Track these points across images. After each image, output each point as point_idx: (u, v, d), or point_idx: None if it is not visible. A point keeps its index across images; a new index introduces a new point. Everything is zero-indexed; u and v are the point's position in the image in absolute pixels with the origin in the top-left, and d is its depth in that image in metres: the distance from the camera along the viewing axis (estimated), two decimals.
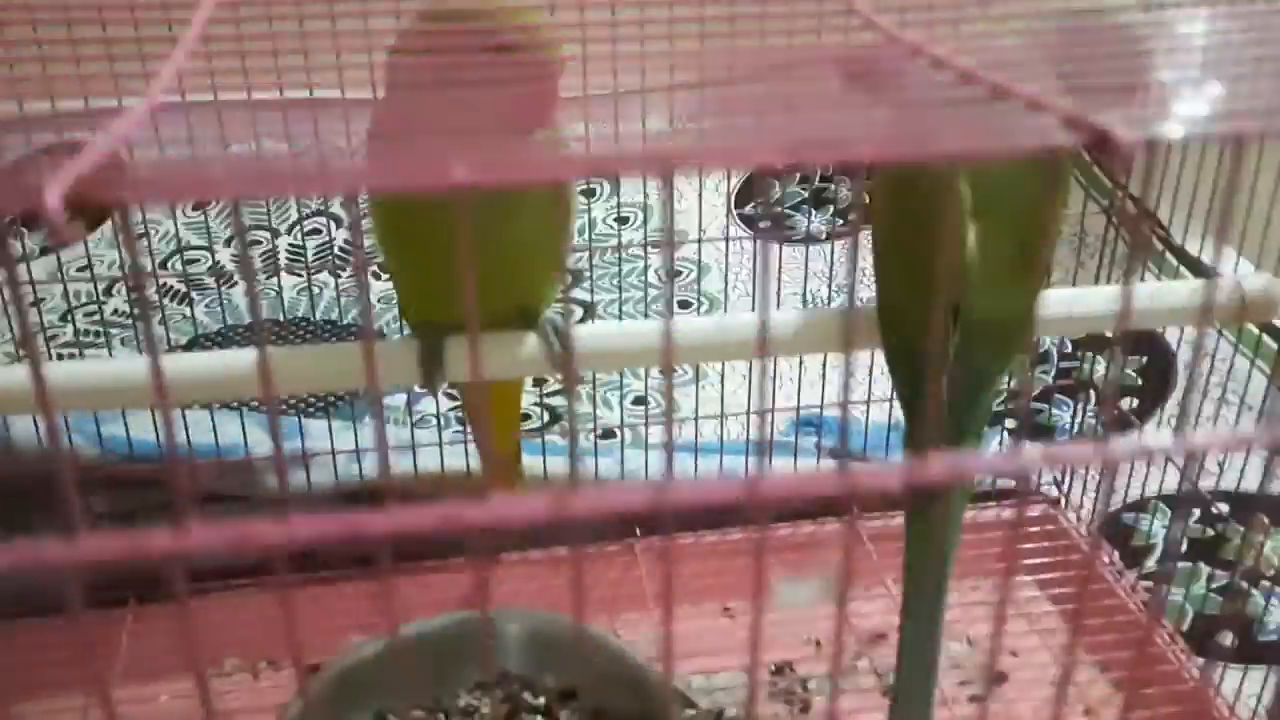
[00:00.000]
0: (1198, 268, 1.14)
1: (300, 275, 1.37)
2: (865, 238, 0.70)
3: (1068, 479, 1.07)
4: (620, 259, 1.26)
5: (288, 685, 0.87)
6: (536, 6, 0.66)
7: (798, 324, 0.72)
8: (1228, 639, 0.92)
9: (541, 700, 0.79)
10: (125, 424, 0.95)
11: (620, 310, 1.25)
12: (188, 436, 0.95)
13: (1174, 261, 1.16)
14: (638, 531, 1.00)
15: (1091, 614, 0.92)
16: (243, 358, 0.69)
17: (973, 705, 0.86)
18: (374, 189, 0.62)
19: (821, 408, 1.07)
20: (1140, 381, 1.15)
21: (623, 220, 1.36)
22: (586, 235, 1.33)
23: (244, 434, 0.97)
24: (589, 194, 1.37)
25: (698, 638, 0.88)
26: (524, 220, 0.66)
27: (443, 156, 0.23)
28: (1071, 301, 0.74)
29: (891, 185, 0.66)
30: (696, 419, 1.03)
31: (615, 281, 1.24)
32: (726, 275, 1.18)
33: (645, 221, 1.36)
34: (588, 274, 1.18)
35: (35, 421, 0.93)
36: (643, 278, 1.29)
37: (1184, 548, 0.99)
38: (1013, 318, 0.64)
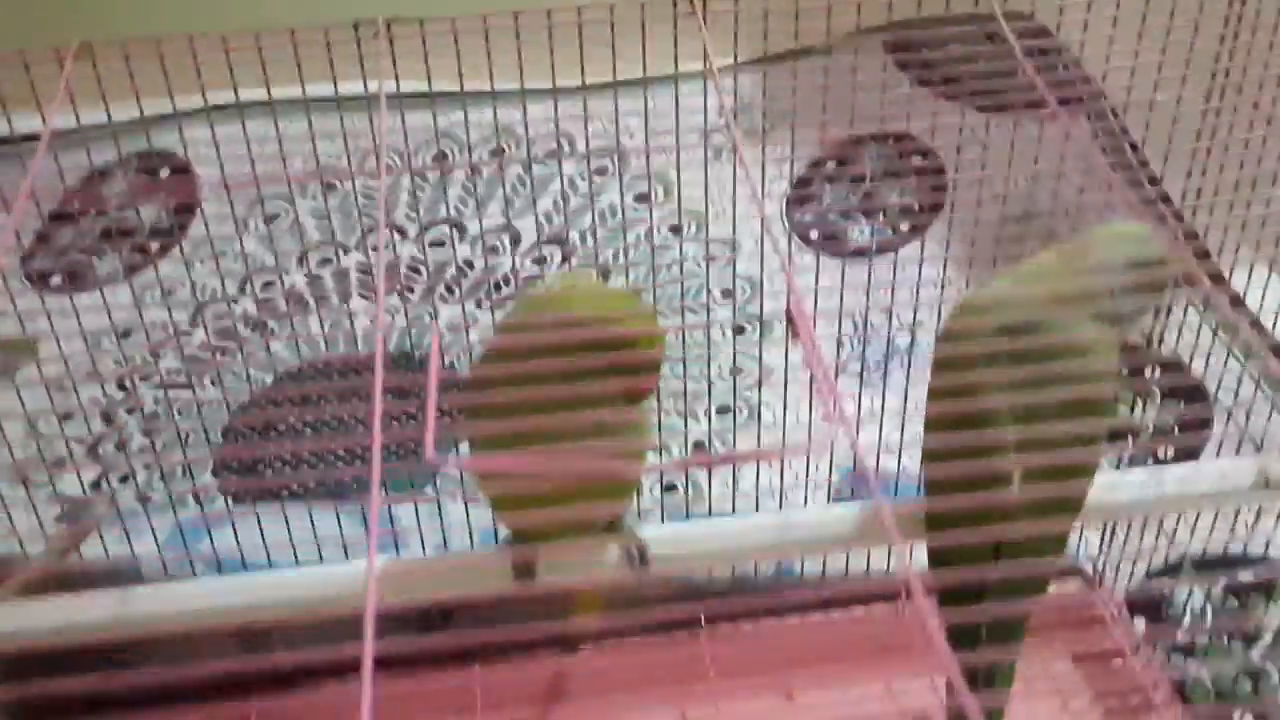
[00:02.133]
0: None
1: (370, 299, 1.42)
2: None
3: (1101, 546, 1.14)
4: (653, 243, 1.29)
5: None
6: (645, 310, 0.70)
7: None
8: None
9: None
10: None
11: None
12: None
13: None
14: (702, 619, 1.08)
15: (1115, 694, 1.01)
16: (353, 570, 0.76)
17: None
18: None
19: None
20: (1177, 429, 1.19)
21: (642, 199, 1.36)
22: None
23: None
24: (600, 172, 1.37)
25: None
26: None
27: None
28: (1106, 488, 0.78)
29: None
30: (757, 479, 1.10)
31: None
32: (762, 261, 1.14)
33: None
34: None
35: None
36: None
37: (1209, 622, 1.06)
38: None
